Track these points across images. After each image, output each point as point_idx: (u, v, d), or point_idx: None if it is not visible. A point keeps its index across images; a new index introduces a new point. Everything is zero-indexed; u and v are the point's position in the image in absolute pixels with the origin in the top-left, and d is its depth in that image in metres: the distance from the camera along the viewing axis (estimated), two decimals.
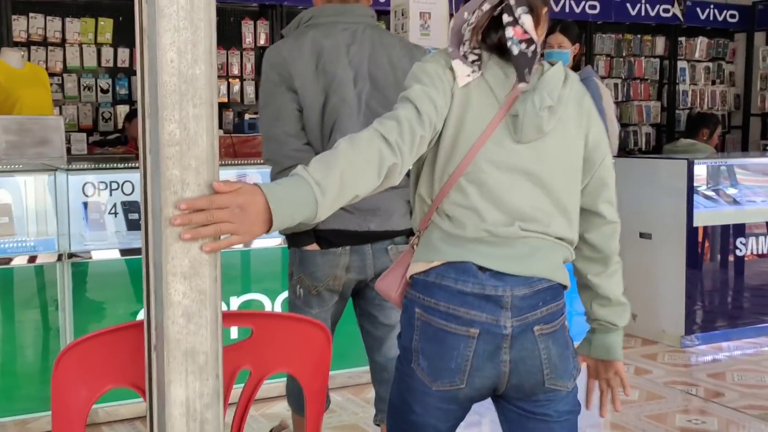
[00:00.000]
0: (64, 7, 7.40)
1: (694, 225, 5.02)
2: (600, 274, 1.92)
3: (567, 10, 9.29)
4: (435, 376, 1.77)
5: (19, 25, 7.17)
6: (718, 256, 5.24)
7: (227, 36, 7.95)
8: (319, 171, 1.53)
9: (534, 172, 1.78)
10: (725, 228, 5.23)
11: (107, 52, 7.54)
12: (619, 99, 9.96)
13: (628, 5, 9.67)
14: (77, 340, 1.68)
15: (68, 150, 5.61)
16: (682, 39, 10.13)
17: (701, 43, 10.21)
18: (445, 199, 1.79)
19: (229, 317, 1.86)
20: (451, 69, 1.78)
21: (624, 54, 9.92)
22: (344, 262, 2.61)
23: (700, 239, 5.09)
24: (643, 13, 9.73)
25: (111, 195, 4.03)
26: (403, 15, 6.14)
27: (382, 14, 8.36)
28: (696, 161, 5.14)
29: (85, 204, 3.93)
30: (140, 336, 1.47)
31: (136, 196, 4.08)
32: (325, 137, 2.55)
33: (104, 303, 3.84)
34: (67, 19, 7.35)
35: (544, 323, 1.78)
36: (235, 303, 3.92)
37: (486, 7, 1.75)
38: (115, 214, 4.03)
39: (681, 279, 5.05)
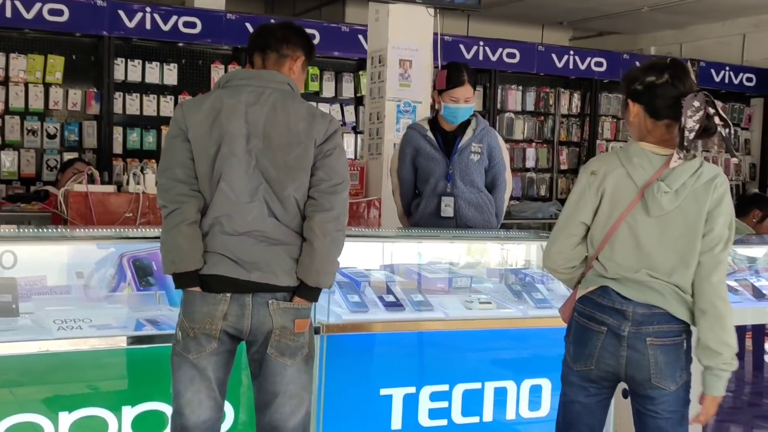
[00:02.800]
0: (8, 41, 6.65)
1: None
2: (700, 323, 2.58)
3: (571, 66, 8.59)
4: (575, 358, 2.63)
5: None
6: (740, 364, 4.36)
7: (194, 81, 7.20)
8: None
9: (659, 237, 2.56)
10: (747, 328, 4.36)
11: (56, 94, 6.77)
12: None
13: (637, 64, 8.87)
14: None
15: None
16: None
17: None
18: (600, 253, 2.62)
19: None
20: (593, 173, 2.63)
21: None
22: (222, 309, 2.72)
23: None
24: None
25: None
26: (380, 62, 5.33)
27: (356, 66, 7.66)
28: None
29: None
30: None
31: (19, 272, 3.23)
32: (214, 185, 2.74)
33: None
34: (12, 55, 6.62)
35: (655, 336, 2.53)
36: (67, 421, 2.94)
37: (697, 103, 2.48)
38: None
39: None
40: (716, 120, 2.47)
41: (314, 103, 7.51)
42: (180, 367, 2.76)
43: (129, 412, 3.03)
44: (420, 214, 4.45)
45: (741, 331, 4.42)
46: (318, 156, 2.78)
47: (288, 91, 2.85)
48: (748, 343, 4.54)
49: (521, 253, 4.32)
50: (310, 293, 2.79)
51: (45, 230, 3.31)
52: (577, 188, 2.67)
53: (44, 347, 2.85)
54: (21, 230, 3.27)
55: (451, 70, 4.38)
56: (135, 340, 2.98)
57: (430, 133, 4.40)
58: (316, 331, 3.26)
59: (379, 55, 5.33)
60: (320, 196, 2.77)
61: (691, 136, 2.46)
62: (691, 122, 2.45)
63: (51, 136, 6.82)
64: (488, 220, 4.43)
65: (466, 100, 4.31)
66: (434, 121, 4.45)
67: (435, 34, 5.39)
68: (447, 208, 4.36)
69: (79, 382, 3.01)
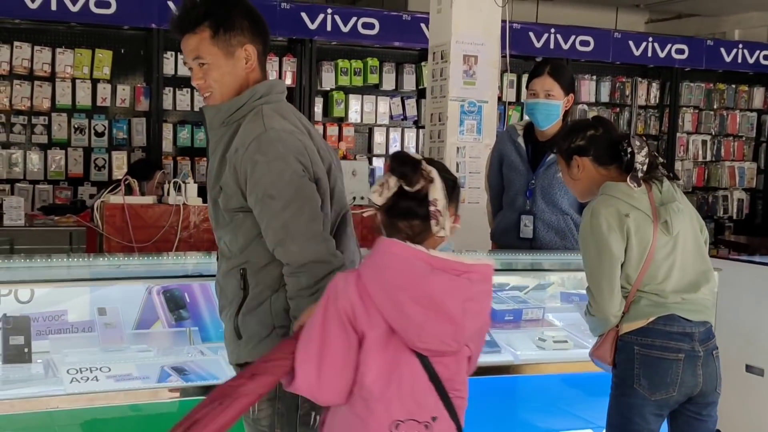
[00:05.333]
0: (55, 35, 6.39)
1: None
2: None
3: (649, 54, 7.97)
4: (654, 389, 2.64)
5: (0, 56, 6.18)
6: None
7: None
8: None
9: (685, 252, 2.70)
10: None
11: (104, 90, 6.48)
12: (708, 159, 8.54)
13: (722, 50, 8.30)
14: None
15: None
16: None
17: None
18: (641, 284, 2.68)
19: None
20: (627, 215, 2.65)
21: (715, 107, 8.54)
22: None
23: None
24: (739, 60, 8.36)
25: None
26: (442, 58, 4.86)
27: (418, 57, 7.16)
28: None
29: None
30: None
31: (35, 307, 2.90)
32: (331, 230, 2.30)
33: None
34: (58, 50, 6.35)
35: (715, 348, 2.73)
36: None
37: (638, 142, 2.72)
38: None
39: None
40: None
41: (374, 97, 7.29)
42: None
43: None
44: (496, 227, 3.97)
45: None
46: None
47: None
48: None
49: None
50: None
51: (62, 264, 2.95)
52: (604, 237, 2.63)
53: (53, 405, 2.50)
54: (36, 261, 2.93)
55: (537, 63, 3.92)
56: (155, 394, 2.60)
57: (521, 140, 3.84)
58: None
59: (441, 50, 4.87)
60: None
61: (644, 168, 2.65)
62: (640, 157, 2.65)
63: (99, 134, 6.55)
64: (570, 249, 3.77)
65: (547, 95, 3.69)
66: (530, 127, 3.88)
67: (503, 21, 4.90)
68: (526, 228, 3.79)
69: None
